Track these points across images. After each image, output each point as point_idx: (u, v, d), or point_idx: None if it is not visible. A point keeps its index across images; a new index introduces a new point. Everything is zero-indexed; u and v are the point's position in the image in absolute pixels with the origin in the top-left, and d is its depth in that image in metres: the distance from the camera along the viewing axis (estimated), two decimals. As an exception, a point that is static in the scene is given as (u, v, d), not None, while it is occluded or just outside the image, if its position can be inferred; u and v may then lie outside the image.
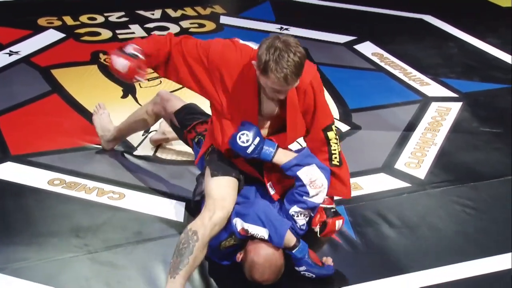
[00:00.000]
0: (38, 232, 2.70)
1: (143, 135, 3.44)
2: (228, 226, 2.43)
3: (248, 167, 2.59)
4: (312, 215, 2.51)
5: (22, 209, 2.84)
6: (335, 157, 2.55)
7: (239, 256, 2.46)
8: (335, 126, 2.57)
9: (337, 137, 2.56)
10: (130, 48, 2.45)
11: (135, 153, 3.31)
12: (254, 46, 2.47)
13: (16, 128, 3.47)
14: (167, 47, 2.49)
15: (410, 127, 3.63)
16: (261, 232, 2.40)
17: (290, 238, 2.42)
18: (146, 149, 3.34)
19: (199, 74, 2.47)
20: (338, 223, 2.55)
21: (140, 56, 2.45)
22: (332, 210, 2.55)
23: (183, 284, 2.29)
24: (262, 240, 2.40)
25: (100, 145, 3.30)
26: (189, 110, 2.96)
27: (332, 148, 2.55)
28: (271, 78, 2.25)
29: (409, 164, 3.28)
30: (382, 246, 2.70)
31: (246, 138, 2.44)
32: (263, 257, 2.38)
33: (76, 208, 2.86)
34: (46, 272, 2.47)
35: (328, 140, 2.54)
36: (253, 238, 2.43)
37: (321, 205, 2.52)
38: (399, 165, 3.27)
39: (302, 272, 2.46)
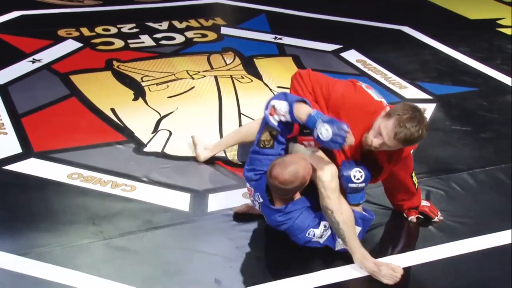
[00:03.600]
0: (59, 220, 2.69)
1: (152, 133, 3.43)
2: (263, 120, 2.39)
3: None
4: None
5: (44, 200, 2.82)
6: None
7: None
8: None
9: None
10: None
11: (145, 149, 3.29)
12: (374, 94, 2.47)
13: (38, 127, 3.44)
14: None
15: (390, 126, 3.62)
16: (283, 105, 2.29)
17: (302, 110, 2.28)
18: (155, 146, 3.32)
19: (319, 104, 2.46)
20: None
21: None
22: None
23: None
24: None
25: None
26: None
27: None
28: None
29: (389, 158, 3.27)
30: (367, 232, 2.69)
31: (360, 175, 2.41)
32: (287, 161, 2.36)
33: (93, 199, 2.84)
34: (66, 256, 2.46)
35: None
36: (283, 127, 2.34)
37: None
38: (381, 159, 3.26)
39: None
